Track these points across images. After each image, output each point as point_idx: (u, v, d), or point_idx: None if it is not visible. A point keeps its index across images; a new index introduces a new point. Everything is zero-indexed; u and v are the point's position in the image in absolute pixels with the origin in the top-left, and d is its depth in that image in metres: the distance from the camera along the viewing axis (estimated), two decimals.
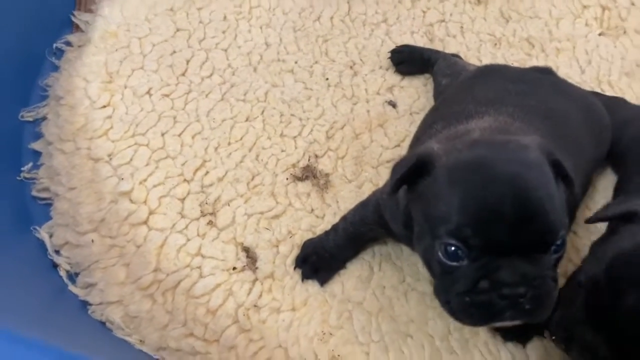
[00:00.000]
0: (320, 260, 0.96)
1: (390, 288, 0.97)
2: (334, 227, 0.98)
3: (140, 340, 0.91)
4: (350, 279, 0.98)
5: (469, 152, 0.68)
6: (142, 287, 0.94)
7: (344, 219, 0.97)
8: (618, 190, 1.02)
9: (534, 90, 0.95)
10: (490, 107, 0.87)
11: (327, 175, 1.10)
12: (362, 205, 0.95)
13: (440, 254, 0.66)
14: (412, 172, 0.70)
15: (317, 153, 1.12)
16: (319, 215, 1.04)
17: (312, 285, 0.96)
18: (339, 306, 0.94)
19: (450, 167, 0.67)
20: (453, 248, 0.64)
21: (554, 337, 0.76)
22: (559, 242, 0.65)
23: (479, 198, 0.63)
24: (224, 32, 1.27)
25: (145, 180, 1.05)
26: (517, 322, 0.67)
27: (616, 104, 1.10)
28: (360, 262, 1.00)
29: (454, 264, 0.65)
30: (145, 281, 0.95)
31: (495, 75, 1.03)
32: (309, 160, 1.11)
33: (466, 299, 0.65)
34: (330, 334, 0.91)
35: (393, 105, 1.21)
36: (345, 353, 0.89)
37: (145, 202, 1.03)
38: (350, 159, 1.12)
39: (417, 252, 0.76)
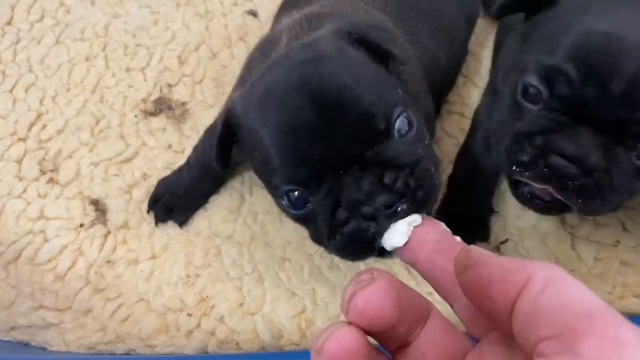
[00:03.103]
0: (174, 199, 0.84)
1: (263, 213, 0.86)
2: (187, 160, 0.86)
3: None
4: (218, 211, 0.86)
5: (259, 85, 0.56)
6: None
7: (195, 149, 0.85)
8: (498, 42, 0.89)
9: None
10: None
11: (183, 104, 0.97)
12: (211, 129, 0.83)
13: (287, 207, 0.55)
14: (226, 139, 0.60)
15: (170, 82, 0.99)
16: (177, 150, 0.92)
17: (173, 228, 0.85)
18: (205, 244, 0.83)
19: (247, 108, 0.56)
20: (293, 194, 0.53)
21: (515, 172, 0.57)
22: (398, 119, 0.52)
23: (281, 127, 0.51)
24: None
25: None
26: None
27: None
28: (229, 191, 0.88)
29: (304, 210, 0.54)
30: None
31: None
32: (161, 91, 0.98)
33: (337, 238, 0.52)
34: (197, 275, 0.81)
35: (254, 14, 1.07)
36: (214, 292, 0.79)
37: None
38: (210, 82, 0.99)
39: None
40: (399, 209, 0.48)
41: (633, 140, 0.53)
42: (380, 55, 0.57)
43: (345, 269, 0.80)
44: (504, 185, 0.87)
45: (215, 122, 0.81)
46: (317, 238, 0.57)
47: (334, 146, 0.49)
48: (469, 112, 0.92)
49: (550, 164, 0.53)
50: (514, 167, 0.57)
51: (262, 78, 0.56)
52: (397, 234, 0.39)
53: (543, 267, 0.27)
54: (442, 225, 0.39)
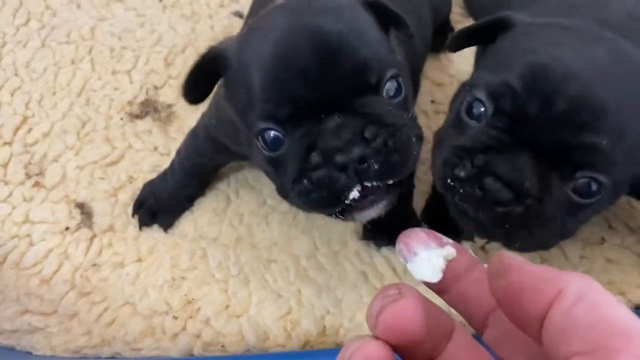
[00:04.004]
0: (158, 202, 0.84)
1: (249, 214, 0.86)
2: (171, 164, 0.86)
3: None
4: (204, 214, 0.86)
5: (260, 22, 0.56)
6: None
7: (178, 153, 0.85)
8: None
9: None
10: None
11: (169, 106, 0.97)
12: (192, 134, 0.82)
13: (260, 146, 0.54)
14: (204, 71, 0.58)
15: (156, 84, 0.99)
16: (163, 152, 0.92)
17: (159, 231, 0.85)
18: (190, 246, 0.83)
19: (242, 46, 0.55)
20: (269, 132, 0.52)
21: (452, 191, 0.56)
22: (388, 81, 0.52)
23: (273, 62, 0.51)
24: None
25: None
26: (380, 200, 0.53)
27: None
28: (215, 193, 0.88)
29: (277, 152, 0.53)
30: None
31: None
32: (147, 93, 0.98)
33: (304, 182, 0.51)
34: (183, 277, 0.81)
35: (240, 15, 1.07)
36: (200, 295, 0.79)
37: None
38: None
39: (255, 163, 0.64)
40: (371, 167, 0.48)
41: (571, 168, 0.52)
42: (386, 26, 0.57)
43: (331, 269, 0.80)
44: None
45: (197, 124, 0.81)
46: (283, 186, 0.56)
47: (323, 89, 0.49)
48: None
49: (484, 185, 0.52)
50: (448, 180, 0.55)
51: (264, 19, 0.56)
52: (431, 269, 0.38)
53: (577, 278, 0.26)
54: (470, 252, 0.38)
